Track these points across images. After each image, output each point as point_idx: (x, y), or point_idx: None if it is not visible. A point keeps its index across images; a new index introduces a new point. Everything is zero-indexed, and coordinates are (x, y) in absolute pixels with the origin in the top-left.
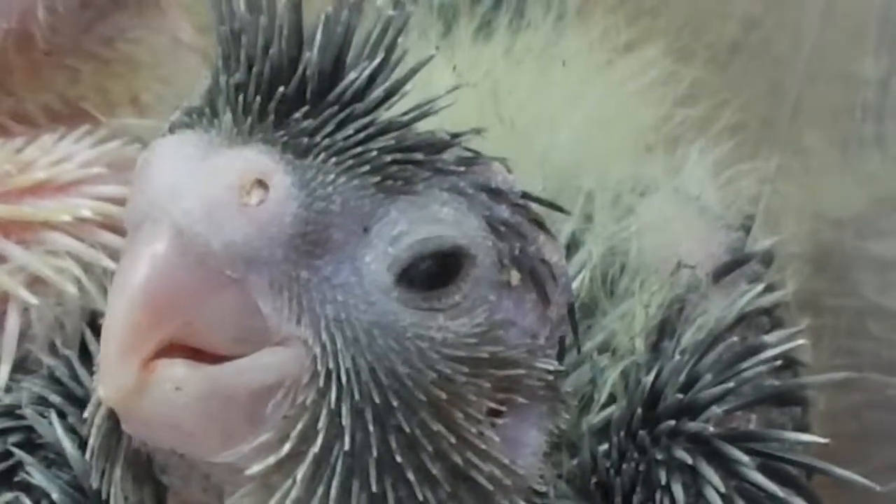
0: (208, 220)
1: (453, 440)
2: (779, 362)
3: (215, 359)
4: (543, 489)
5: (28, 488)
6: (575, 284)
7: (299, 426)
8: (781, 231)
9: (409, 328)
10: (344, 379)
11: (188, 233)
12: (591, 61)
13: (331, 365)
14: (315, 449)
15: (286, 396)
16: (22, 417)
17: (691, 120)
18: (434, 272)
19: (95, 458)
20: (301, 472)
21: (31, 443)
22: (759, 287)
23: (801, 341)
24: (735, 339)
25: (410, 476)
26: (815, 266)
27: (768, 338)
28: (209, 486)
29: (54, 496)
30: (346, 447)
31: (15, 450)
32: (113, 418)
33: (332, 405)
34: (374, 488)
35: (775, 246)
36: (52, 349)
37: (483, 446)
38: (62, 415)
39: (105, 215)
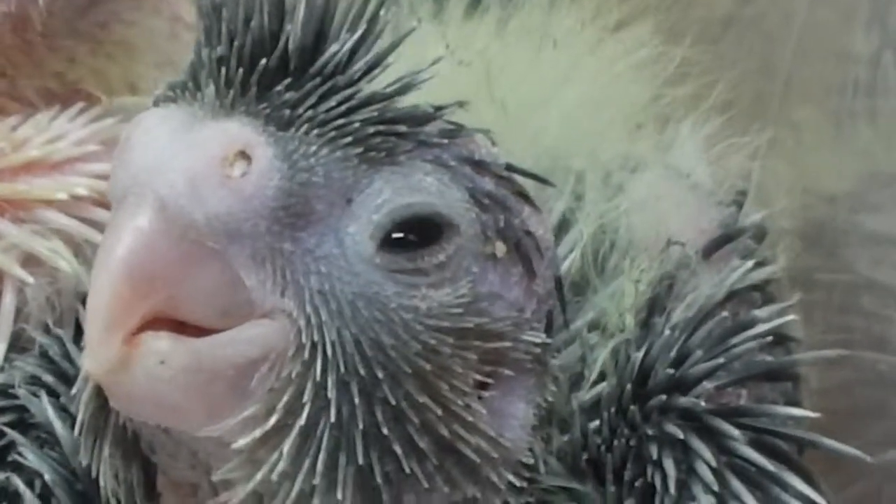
0: (191, 193)
1: (440, 412)
2: (770, 338)
3: (200, 332)
4: (531, 462)
5: (20, 468)
6: (566, 263)
7: (285, 399)
8: (773, 206)
9: (393, 298)
10: (329, 351)
11: (171, 205)
12: (582, 40)
13: (315, 337)
14: (301, 422)
15: (271, 369)
16: (15, 397)
17: (682, 98)
18: (416, 239)
19: (84, 436)
20: (287, 446)
21: (24, 422)
22: (750, 263)
23: (792, 317)
24: (726, 314)
25: (397, 448)
26: (807, 241)
27: (759, 313)
28: (197, 463)
29: (46, 476)
30: (332, 420)
31: (7, 430)
32: (101, 395)
33: (318, 378)
34: (360, 461)
35: (766, 221)
36: (45, 328)
37: (470, 418)
38: (54, 394)
39: (100, 193)
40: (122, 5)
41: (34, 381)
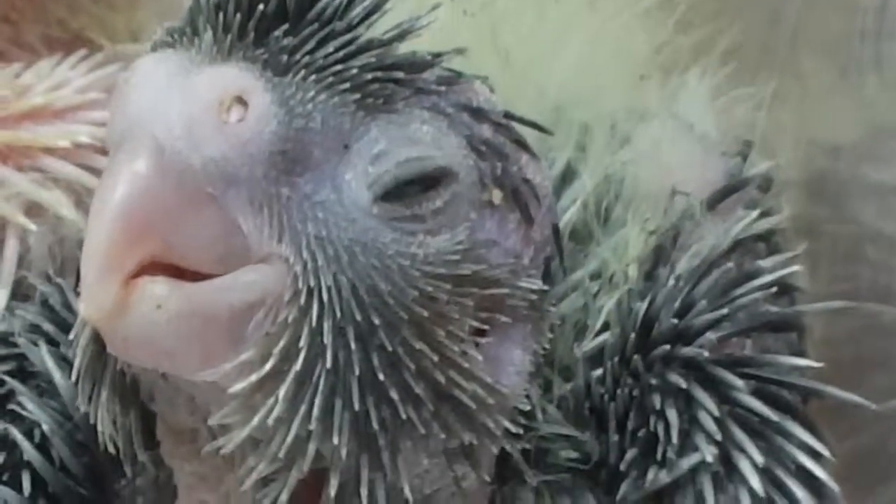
0: (188, 137)
1: (436, 359)
2: (775, 288)
3: (197, 277)
4: (528, 408)
5: (19, 418)
6: (569, 214)
7: (281, 344)
8: (778, 157)
9: (390, 245)
10: (325, 297)
11: (168, 150)
12: None
13: (312, 283)
14: (297, 367)
15: (267, 314)
16: (15, 345)
17: (687, 48)
18: (413, 190)
19: (81, 381)
20: (283, 391)
21: (24, 371)
22: (755, 213)
23: (797, 267)
24: (730, 265)
25: (393, 395)
26: (812, 192)
27: (764, 263)
28: (195, 409)
29: (44, 426)
30: (329, 365)
31: (7, 378)
32: (98, 341)
33: (314, 323)
34: (356, 407)
35: (772, 172)
36: (46, 277)
37: (466, 365)
38: (54, 343)
39: (102, 141)
40: None
41: (34, 329)
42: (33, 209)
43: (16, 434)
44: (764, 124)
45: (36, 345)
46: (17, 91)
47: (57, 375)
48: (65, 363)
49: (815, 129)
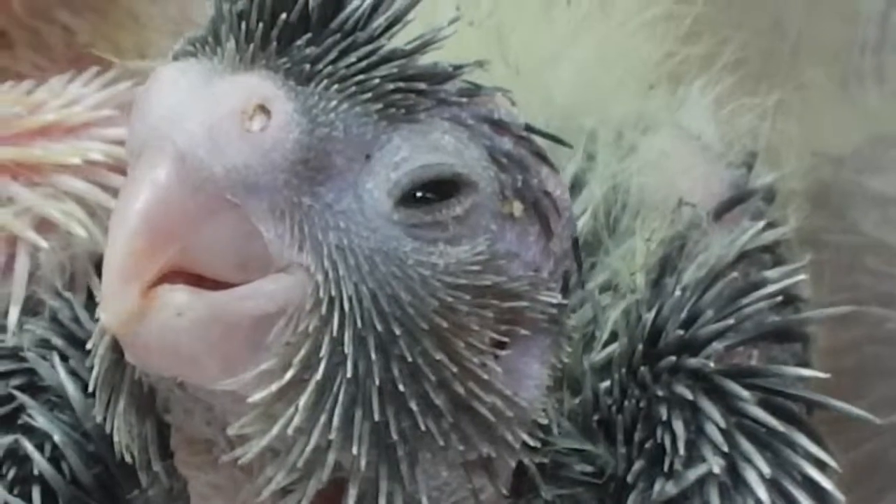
0: (210, 145)
1: (455, 370)
2: (780, 298)
3: (217, 286)
4: (545, 422)
5: (30, 431)
6: (579, 223)
7: (301, 353)
8: (782, 168)
9: (411, 254)
10: (346, 306)
11: (189, 157)
12: None
13: (333, 292)
14: (317, 376)
15: (288, 324)
16: (25, 360)
17: (694, 57)
18: (433, 196)
19: (99, 390)
20: (303, 400)
21: (34, 385)
22: (761, 224)
23: (801, 277)
24: (736, 275)
25: (413, 405)
26: (816, 202)
27: (769, 274)
28: (213, 419)
29: (56, 438)
30: (349, 375)
31: (17, 393)
32: (117, 350)
33: (335, 332)
34: (376, 417)
35: (777, 182)
36: (56, 291)
37: (485, 377)
38: (64, 357)
39: (115, 158)
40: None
41: (44, 344)
42: (44, 225)
43: (27, 446)
44: (768, 135)
45: (46, 359)
46: (30, 108)
47: (69, 387)
48: (76, 377)
49: (817, 140)
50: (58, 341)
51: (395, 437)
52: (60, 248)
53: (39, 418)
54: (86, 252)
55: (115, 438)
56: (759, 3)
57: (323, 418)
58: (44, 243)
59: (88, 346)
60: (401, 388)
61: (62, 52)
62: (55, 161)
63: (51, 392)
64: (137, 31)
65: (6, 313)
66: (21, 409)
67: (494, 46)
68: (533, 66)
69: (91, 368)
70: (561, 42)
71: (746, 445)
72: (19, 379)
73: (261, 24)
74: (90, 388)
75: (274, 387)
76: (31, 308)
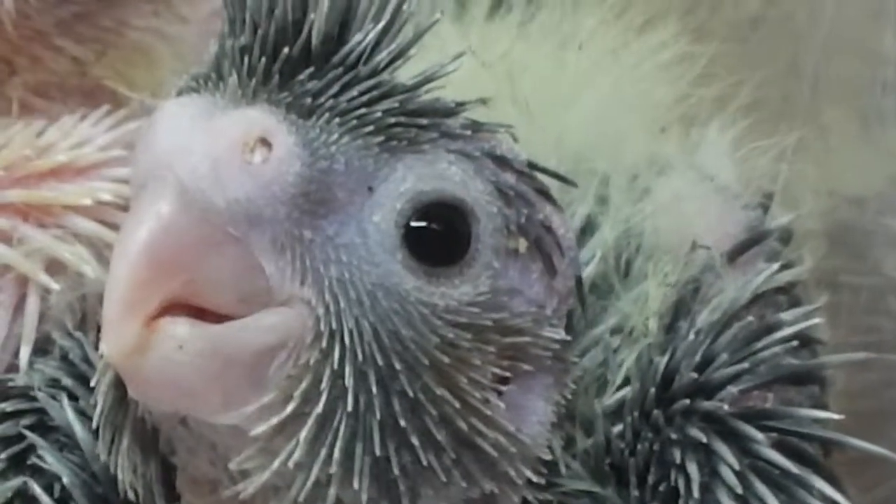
0: (212, 178)
1: (457, 405)
2: (796, 341)
3: (218, 319)
4: (549, 458)
5: (39, 472)
6: (590, 267)
7: (302, 387)
8: (799, 208)
9: (412, 292)
10: (347, 340)
11: (192, 190)
12: (606, 41)
13: (334, 325)
14: (318, 410)
15: (289, 357)
16: (35, 399)
17: (707, 99)
18: (439, 228)
19: (102, 428)
20: (304, 434)
21: (44, 425)
22: (776, 265)
23: (817, 319)
24: (751, 318)
25: (414, 441)
26: (833, 243)
27: (785, 316)
28: (216, 458)
29: (65, 479)
30: (350, 409)
31: (27, 433)
32: (119, 387)
33: (335, 366)
34: (377, 452)
35: (793, 223)
36: (66, 331)
37: (488, 412)
38: (73, 397)
39: (125, 198)
40: (132, 12)
41: (54, 384)
42: (54, 266)
43: (35, 488)
44: (785, 175)
45: (56, 399)
46: (40, 150)
47: (77, 428)
48: (85, 417)
49: (836, 180)
50: (67, 381)
51: (396, 472)
52: (70, 288)
53: (49, 458)
54: (96, 292)
55: (119, 476)
56: (776, 44)
57: (323, 452)
58: (55, 285)
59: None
60: (402, 422)
61: (75, 86)
62: (65, 202)
63: (60, 432)
64: (150, 70)
65: (17, 353)
66: (31, 448)
67: (506, 88)
68: (545, 108)
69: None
70: (574, 85)
71: (761, 488)
72: (30, 419)
73: (263, 59)
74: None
75: (275, 420)
76: (41, 347)
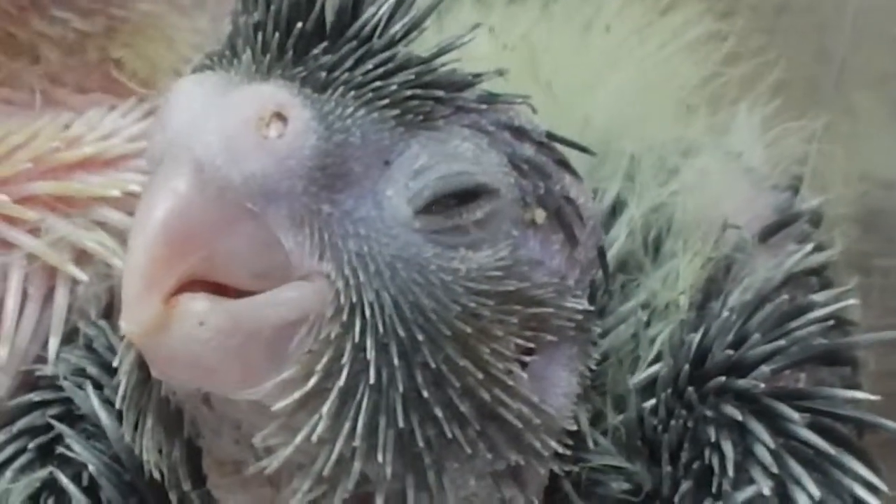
0: (227, 153)
1: (480, 376)
2: (828, 322)
3: (238, 294)
4: (574, 428)
5: (66, 461)
6: (618, 245)
7: (323, 361)
8: (829, 191)
9: (432, 260)
10: (368, 313)
11: (207, 166)
12: (630, 22)
13: (354, 299)
14: (340, 383)
15: (310, 331)
16: (61, 389)
17: (734, 79)
18: (453, 203)
19: (126, 409)
20: (326, 408)
21: (71, 415)
22: (808, 247)
23: (850, 301)
24: (784, 298)
25: (438, 412)
26: (864, 226)
27: (817, 297)
28: (240, 437)
29: (91, 467)
30: (372, 381)
31: (54, 422)
32: (143, 369)
33: (357, 339)
34: (401, 424)
35: (823, 206)
36: (90, 320)
37: (511, 383)
38: (98, 386)
39: None
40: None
41: (79, 372)
42: (81, 256)
43: (62, 478)
44: (814, 158)
45: (81, 388)
46: (68, 141)
47: (103, 416)
48: (110, 405)
49: (865, 164)
50: (93, 370)
51: (420, 445)
52: (98, 278)
53: (76, 447)
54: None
55: (145, 457)
56: (802, 30)
57: (346, 426)
58: (83, 276)
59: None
60: (425, 394)
61: (98, 76)
62: (94, 194)
63: (87, 421)
64: (168, 44)
65: (45, 343)
66: (58, 438)
67: (529, 71)
68: (570, 89)
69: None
70: (599, 66)
71: (796, 467)
72: (56, 408)
73: (276, 34)
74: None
75: (296, 395)
76: (67, 335)
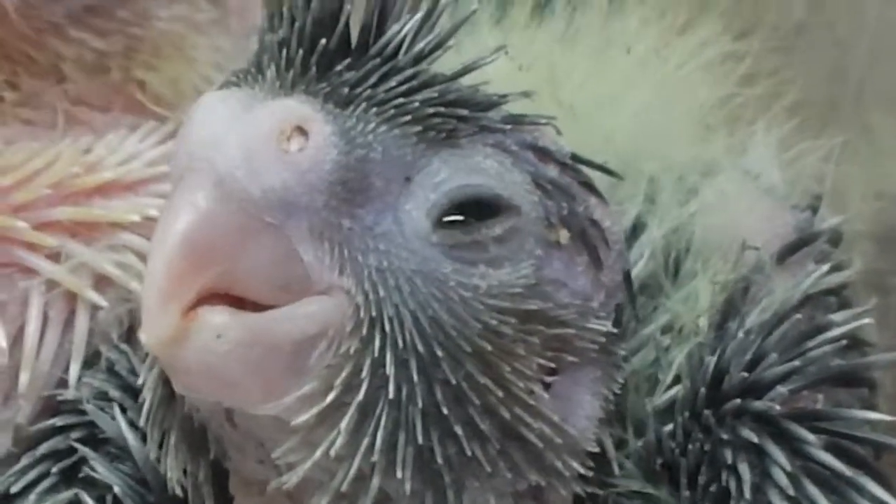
0: (248, 166)
1: (501, 394)
2: (845, 342)
3: (257, 308)
4: (597, 451)
5: (91, 483)
6: (639, 266)
7: (343, 375)
8: (847, 210)
9: (452, 275)
10: (387, 328)
11: (228, 179)
12: (648, 41)
13: (374, 313)
14: (359, 398)
15: (329, 346)
16: (84, 413)
17: (752, 99)
18: (472, 220)
19: (150, 426)
20: (345, 423)
21: (94, 438)
22: (826, 267)
23: (867, 321)
24: (801, 318)
25: (458, 430)
26: (882, 246)
27: (835, 317)
28: (265, 457)
29: (116, 489)
30: (391, 397)
31: (78, 445)
32: (167, 385)
33: (376, 354)
34: (420, 441)
35: (842, 225)
36: (112, 343)
37: (532, 402)
38: (122, 409)
39: None
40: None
41: (102, 396)
42: (102, 280)
43: (87, 500)
44: (833, 177)
45: (105, 411)
46: (87, 166)
47: (129, 437)
48: (134, 427)
49: (884, 183)
50: (115, 393)
51: (440, 462)
52: (119, 302)
53: (100, 469)
54: None
55: (168, 475)
56: (820, 50)
57: (365, 442)
58: (103, 302)
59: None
60: (445, 411)
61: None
62: (113, 219)
63: (111, 444)
64: (188, 63)
65: (66, 368)
66: (82, 461)
67: (549, 92)
68: (589, 109)
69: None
70: (617, 86)
71: (813, 490)
72: (80, 432)
73: (301, 51)
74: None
75: (315, 409)
76: (88, 359)
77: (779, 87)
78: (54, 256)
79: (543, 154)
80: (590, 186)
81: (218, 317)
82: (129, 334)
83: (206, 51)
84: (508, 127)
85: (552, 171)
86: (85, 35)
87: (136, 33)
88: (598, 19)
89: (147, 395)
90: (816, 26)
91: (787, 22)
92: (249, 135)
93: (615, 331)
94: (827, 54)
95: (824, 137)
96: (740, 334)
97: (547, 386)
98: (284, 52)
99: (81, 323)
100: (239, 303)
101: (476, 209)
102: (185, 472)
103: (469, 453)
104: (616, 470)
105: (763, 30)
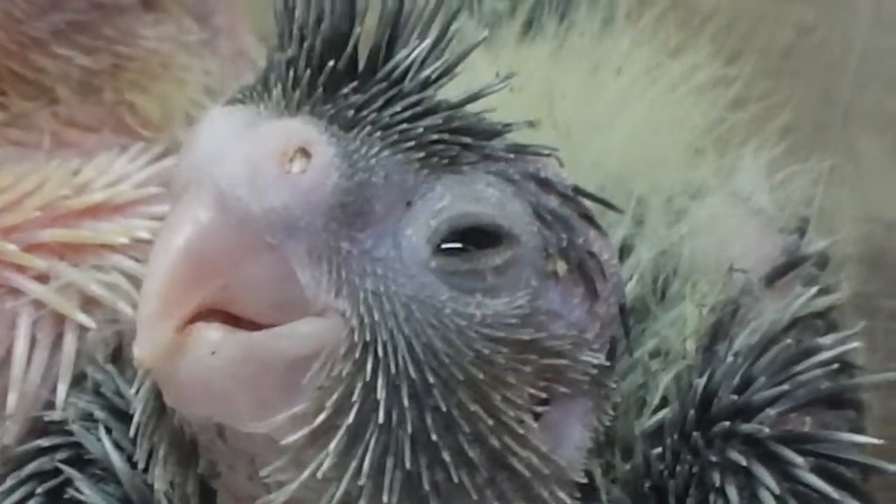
0: (250, 185)
1: (491, 423)
2: (834, 365)
3: (253, 327)
4: (585, 481)
5: None
6: (627, 289)
7: (334, 397)
8: (835, 233)
9: (448, 303)
10: (381, 352)
11: (229, 196)
12: (640, 63)
13: (368, 337)
14: (349, 420)
15: (322, 367)
16: (70, 434)
17: (742, 123)
18: (472, 248)
19: (140, 437)
20: (334, 444)
21: (80, 459)
22: (814, 290)
23: (855, 344)
24: (790, 341)
25: (446, 456)
26: (870, 268)
27: (823, 340)
28: (254, 474)
29: None
30: (381, 421)
31: (63, 466)
32: (158, 397)
33: (368, 378)
34: (408, 466)
35: (829, 248)
36: (98, 364)
37: (522, 432)
38: (108, 430)
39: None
40: (135, 21)
41: (88, 417)
42: (89, 302)
43: None
44: (821, 200)
45: (90, 432)
46: (76, 188)
47: (115, 458)
48: (120, 449)
49: (871, 206)
50: (101, 414)
51: (427, 488)
52: (106, 323)
53: (86, 490)
54: (132, 328)
55: (156, 486)
56: (808, 73)
57: (353, 465)
58: (92, 324)
59: (133, 417)
60: (434, 437)
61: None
62: (102, 241)
63: (96, 465)
64: (178, 84)
65: (54, 389)
66: (67, 482)
67: (544, 113)
68: (580, 130)
69: (135, 440)
70: (608, 106)
71: None
72: (65, 452)
73: (308, 71)
74: (135, 453)
75: (306, 430)
76: (75, 380)
77: (768, 110)
78: (42, 278)
79: (545, 185)
80: (590, 219)
81: (213, 332)
82: (116, 355)
83: (196, 73)
84: (511, 156)
85: (553, 202)
86: (70, 52)
87: (122, 52)
88: (590, 41)
89: (138, 407)
90: (805, 51)
91: (776, 46)
92: (253, 153)
93: (608, 364)
94: (816, 78)
95: (813, 161)
96: (729, 357)
97: (537, 416)
98: (292, 71)
99: (69, 344)
100: (235, 321)
101: (476, 237)
102: (171, 484)
103: (457, 480)
104: (604, 497)
105: (753, 54)
